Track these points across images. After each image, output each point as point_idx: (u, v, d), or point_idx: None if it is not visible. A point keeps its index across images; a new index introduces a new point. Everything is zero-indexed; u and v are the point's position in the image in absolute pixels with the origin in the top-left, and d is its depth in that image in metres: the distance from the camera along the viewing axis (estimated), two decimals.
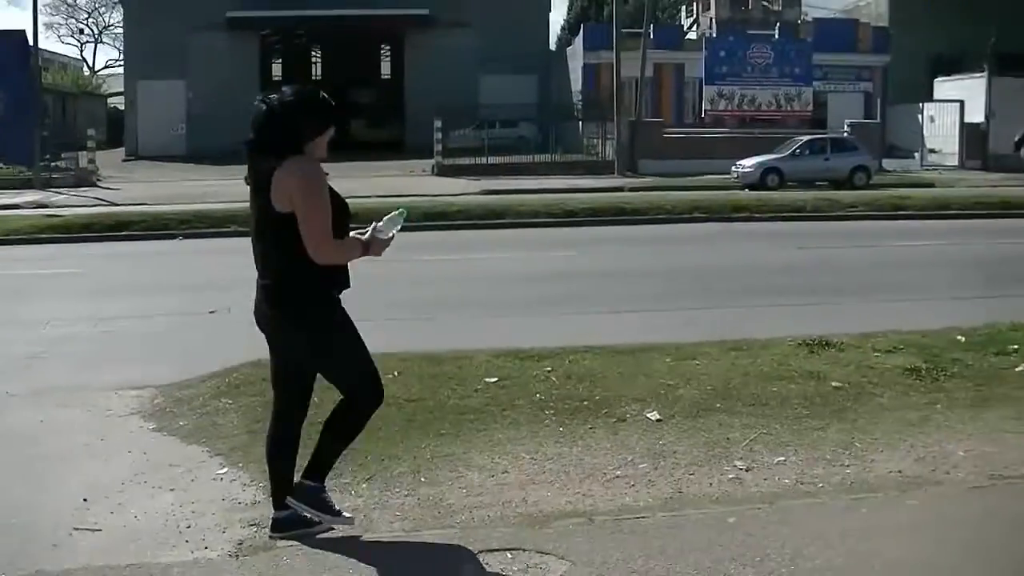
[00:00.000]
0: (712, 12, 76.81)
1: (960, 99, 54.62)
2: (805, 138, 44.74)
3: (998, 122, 48.99)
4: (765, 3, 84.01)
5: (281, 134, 5.78)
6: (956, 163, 52.75)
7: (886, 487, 6.94)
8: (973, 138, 52.98)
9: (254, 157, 5.88)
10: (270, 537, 6.19)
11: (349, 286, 6.15)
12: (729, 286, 16.38)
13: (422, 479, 7.18)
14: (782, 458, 7.53)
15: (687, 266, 19.44)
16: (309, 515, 6.16)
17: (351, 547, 5.97)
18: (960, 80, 58.95)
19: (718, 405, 8.72)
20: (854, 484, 7.05)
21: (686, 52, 64.23)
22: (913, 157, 55.07)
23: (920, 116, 57.00)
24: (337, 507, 6.27)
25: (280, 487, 6.24)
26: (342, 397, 6.20)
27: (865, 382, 9.36)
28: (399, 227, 6.19)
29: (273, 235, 5.83)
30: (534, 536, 6.06)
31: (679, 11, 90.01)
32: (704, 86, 58.77)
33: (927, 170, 50.72)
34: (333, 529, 6.19)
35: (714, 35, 67.02)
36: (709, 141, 50.70)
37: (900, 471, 7.27)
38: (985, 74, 54.86)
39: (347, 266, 6.10)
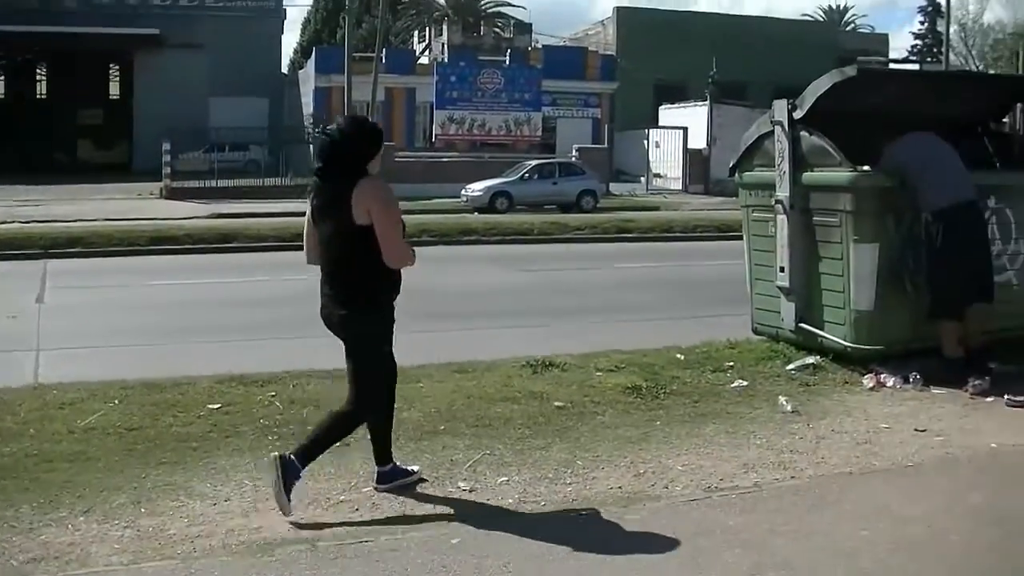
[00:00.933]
0: (444, 37, 77.21)
1: (684, 126, 56.29)
2: (534, 162, 45.42)
3: (719, 148, 50.57)
4: (497, 30, 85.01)
5: (351, 160, 6.91)
6: (680, 187, 54.36)
7: (607, 503, 7.06)
8: (696, 163, 54.66)
9: (325, 181, 6.99)
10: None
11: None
12: (455, 309, 16.48)
13: (143, 510, 6.96)
14: (505, 478, 7.58)
15: (413, 289, 19.37)
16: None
17: None
18: (683, 107, 60.87)
19: (442, 427, 8.74)
20: (575, 501, 7.15)
21: (418, 76, 64.82)
22: (639, 181, 56.53)
23: (646, 142, 58.54)
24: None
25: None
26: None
27: (587, 401, 9.53)
28: None
29: (351, 245, 6.87)
30: (257, 564, 6.00)
31: (412, 36, 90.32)
32: (435, 110, 59.24)
33: (652, 194, 52.07)
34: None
35: (446, 60, 67.46)
36: (440, 165, 50.99)
37: (620, 487, 7.41)
38: (707, 102, 56.68)
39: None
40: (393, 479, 7.40)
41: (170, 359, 12.00)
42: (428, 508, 7.03)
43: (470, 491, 7.35)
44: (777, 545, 6.23)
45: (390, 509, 7.00)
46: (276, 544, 6.36)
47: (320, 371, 10.44)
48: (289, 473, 6.87)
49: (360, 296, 7.08)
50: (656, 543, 6.29)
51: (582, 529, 6.55)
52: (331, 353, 12.08)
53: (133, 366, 11.21)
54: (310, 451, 7.10)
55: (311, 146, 56.52)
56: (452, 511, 6.98)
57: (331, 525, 6.74)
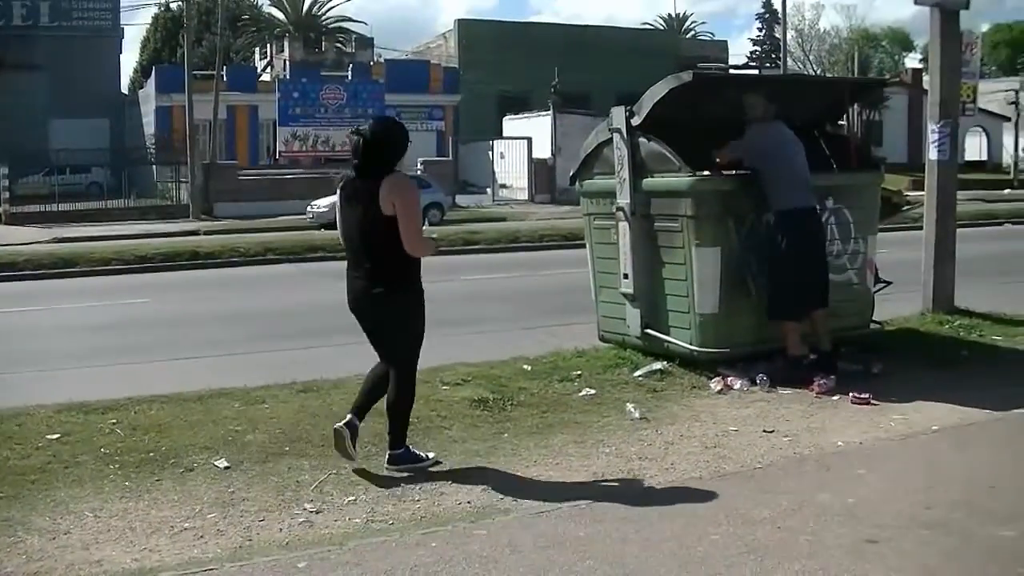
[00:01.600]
0: (286, 54, 76.54)
1: (528, 136, 56.42)
2: None
3: (563, 157, 50.73)
4: (338, 45, 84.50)
5: (382, 158, 7.78)
6: (526, 197, 54.46)
7: (456, 519, 6.96)
8: (541, 173, 54.81)
9: (358, 177, 7.83)
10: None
11: None
12: (302, 326, 16.29)
13: None
14: (352, 497, 7.44)
15: (261, 308, 19.24)
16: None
17: None
18: (527, 118, 61.04)
19: (287, 448, 8.54)
20: (424, 518, 7.03)
21: (260, 94, 64.19)
22: (486, 192, 56.55)
23: (491, 153, 58.57)
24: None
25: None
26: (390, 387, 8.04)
27: (434, 416, 9.41)
28: None
29: (380, 233, 7.67)
30: None
31: (253, 53, 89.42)
32: (278, 127, 58.70)
33: (499, 205, 52.10)
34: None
35: (288, 77, 66.89)
36: (285, 182, 50.47)
37: (469, 502, 7.32)
38: (550, 112, 56.95)
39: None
40: (403, 462, 8.03)
41: (5, 390, 11.61)
42: (275, 532, 6.84)
43: (317, 512, 7.18)
44: (628, 555, 6.17)
45: (236, 535, 6.79)
46: None
47: (163, 396, 10.19)
48: (410, 458, 8.09)
49: (392, 274, 7.81)
50: (505, 559, 6.18)
51: (430, 547, 6.39)
52: (175, 376, 11.97)
53: None
54: (400, 435, 8.10)
55: (154, 167, 55.84)
56: (299, 534, 6.80)
57: (174, 554, 6.51)
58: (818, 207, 10.86)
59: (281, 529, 6.91)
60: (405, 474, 7.91)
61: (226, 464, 8.17)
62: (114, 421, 9.43)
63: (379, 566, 6.08)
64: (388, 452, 8.07)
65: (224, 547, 6.58)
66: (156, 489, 7.70)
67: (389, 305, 7.91)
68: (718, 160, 10.75)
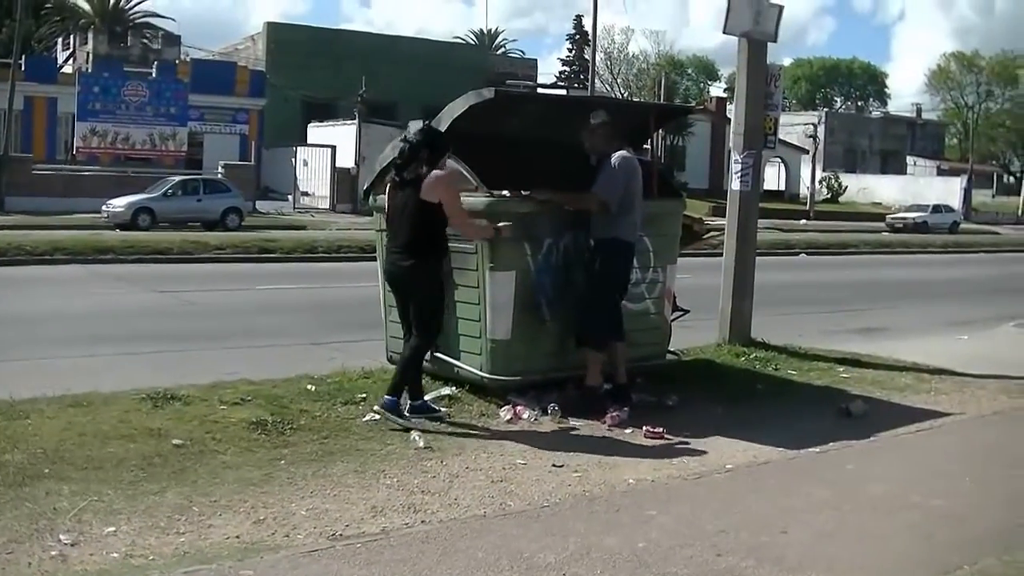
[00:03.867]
0: (90, 46, 74.60)
1: (333, 144, 56.05)
2: (178, 178, 44.44)
3: (366, 167, 50.32)
4: (145, 40, 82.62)
5: (423, 158, 9.61)
6: (328, 206, 54.06)
7: (222, 556, 6.44)
8: (344, 182, 54.54)
9: (402, 172, 9.73)
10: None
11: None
12: (83, 333, 15.55)
13: None
14: (113, 528, 6.85)
15: (41, 312, 18.37)
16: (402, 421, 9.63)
17: None
18: (333, 126, 60.76)
19: (47, 470, 7.88)
20: (188, 554, 6.50)
21: (61, 86, 62.38)
22: (287, 199, 55.95)
23: (294, 159, 58.07)
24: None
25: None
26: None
27: (209, 438, 8.86)
28: None
29: (420, 215, 9.52)
30: None
31: (56, 43, 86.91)
32: (77, 122, 57.14)
33: (300, 212, 51.67)
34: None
35: (90, 70, 65.14)
36: (82, 179, 49.16)
37: (239, 536, 6.83)
38: (355, 121, 56.61)
39: None
40: (389, 409, 9.56)
41: None
42: (23, 568, 6.20)
43: (72, 544, 6.58)
44: None
45: None
46: None
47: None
48: (395, 411, 9.55)
49: (421, 254, 9.63)
50: None
51: None
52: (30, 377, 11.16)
53: None
54: (399, 386, 9.72)
55: None
56: (49, 570, 6.21)
57: None
58: None
59: (30, 563, 6.29)
60: (389, 419, 9.43)
61: None
62: None
63: None
64: (382, 396, 9.66)
65: None
66: None
67: (420, 273, 9.64)
68: (576, 203, 10.43)
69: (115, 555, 6.46)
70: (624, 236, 10.33)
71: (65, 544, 6.58)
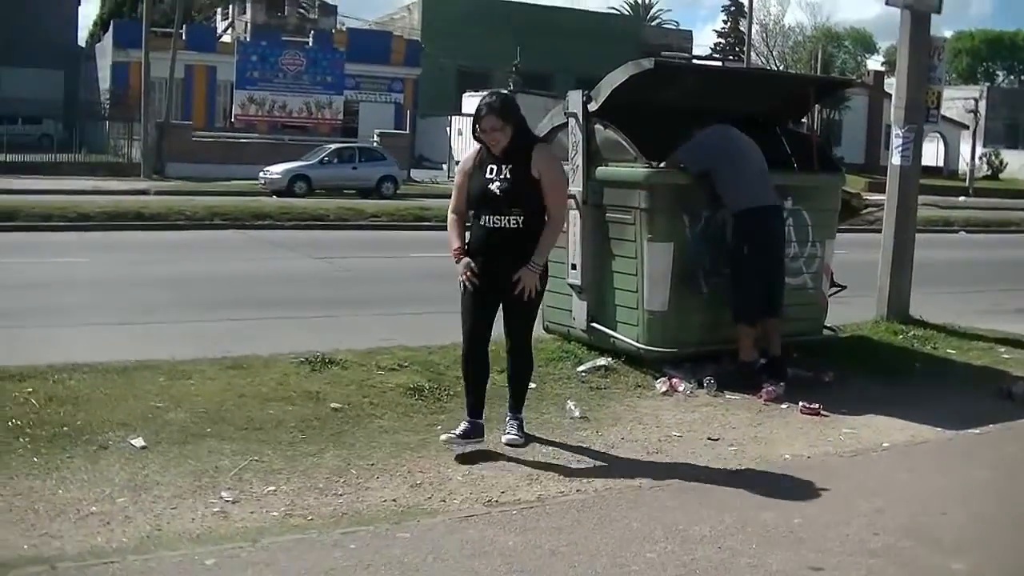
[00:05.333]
0: (248, 16, 75.90)
1: None
2: (334, 146, 44.87)
3: None
4: (301, 11, 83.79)
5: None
6: None
7: (379, 518, 6.55)
8: None
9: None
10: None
11: None
12: (241, 296, 15.85)
13: None
14: (272, 487, 7.00)
15: (200, 275, 18.78)
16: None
17: None
18: None
19: (209, 430, 8.07)
20: (346, 515, 6.62)
21: (220, 55, 63.51)
22: (441, 168, 56.20)
23: (448, 128, 58.21)
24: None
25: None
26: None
27: (366, 403, 8.98)
28: None
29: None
30: None
31: (215, 13, 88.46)
32: (236, 90, 58.09)
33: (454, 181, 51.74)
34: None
35: (248, 39, 66.21)
36: (240, 146, 50.02)
37: (395, 499, 6.92)
38: (511, 91, 56.59)
39: None
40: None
41: None
42: (186, 523, 6.41)
43: (233, 502, 6.75)
44: (557, 569, 5.79)
45: (145, 523, 6.35)
46: (12, 565, 5.67)
47: (85, 364, 9.71)
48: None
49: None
50: (428, 567, 5.78)
51: (348, 548, 5.97)
52: (101, 343, 11.52)
53: None
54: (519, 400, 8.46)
55: (107, 122, 55.13)
56: (211, 526, 6.38)
57: (76, 541, 6.05)
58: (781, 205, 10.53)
59: (193, 519, 6.47)
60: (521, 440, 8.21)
61: (143, 443, 7.72)
62: (30, 390, 8.94)
63: (292, 568, 5.67)
64: (514, 418, 8.35)
65: (131, 536, 6.15)
66: (66, 467, 7.26)
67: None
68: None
69: (274, 514, 6.60)
70: (742, 206, 10.16)
71: (227, 501, 6.75)
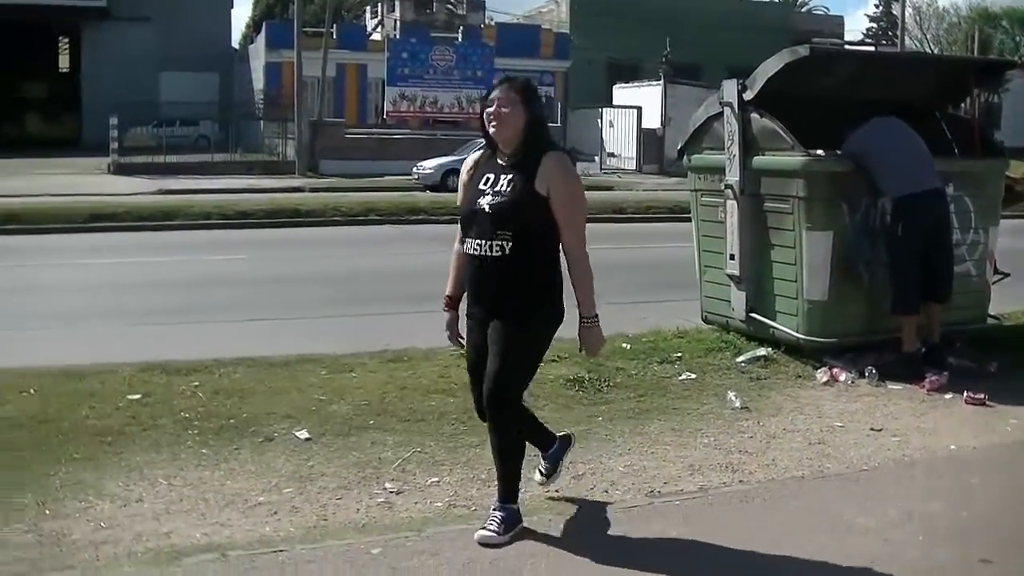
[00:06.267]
0: (397, 14, 76.67)
1: (638, 105, 55.89)
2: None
3: (673, 128, 50.16)
4: (450, 6, 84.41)
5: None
6: (634, 167, 53.96)
7: (542, 509, 6.61)
8: (650, 143, 54.29)
9: None
10: None
11: None
12: (397, 290, 16.02)
13: (47, 511, 6.45)
14: (435, 478, 7.13)
15: (356, 270, 19.01)
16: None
17: None
18: (638, 87, 60.44)
19: (371, 422, 8.25)
20: None
21: (370, 53, 64.15)
22: (593, 160, 56.10)
23: (600, 121, 58.09)
24: None
25: None
26: None
27: (527, 394, 9.02)
28: None
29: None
30: None
31: (364, 12, 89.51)
32: (387, 87, 58.62)
33: (606, 173, 51.67)
34: None
35: (398, 37, 66.83)
36: (392, 142, 50.43)
37: (558, 490, 6.96)
38: (661, 82, 56.37)
39: None
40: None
41: (96, 343, 11.56)
42: (351, 513, 6.54)
43: (397, 493, 6.87)
44: (720, 560, 5.79)
45: (311, 513, 6.50)
46: (185, 552, 5.87)
47: (249, 358, 9.97)
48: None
49: None
50: (590, 559, 5.81)
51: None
52: (263, 337, 11.75)
53: (57, 351, 10.77)
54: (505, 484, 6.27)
55: (261, 122, 56.09)
56: (376, 516, 6.50)
57: (245, 531, 6.24)
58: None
59: (358, 509, 6.62)
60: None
61: (307, 435, 7.91)
62: (196, 384, 9.24)
63: (458, 557, 5.78)
64: (500, 508, 6.19)
65: (298, 526, 6.30)
66: (234, 458, 7.47)
67: None
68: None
69: (438, 504, 6.70)
70: (900, 192, 9.98)
71: (390, 492, 6.87)
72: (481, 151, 6.26)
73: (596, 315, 6.17)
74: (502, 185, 5.97)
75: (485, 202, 5.97)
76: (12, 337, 12.21)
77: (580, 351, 6.38)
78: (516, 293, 6.01)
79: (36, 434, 7.89)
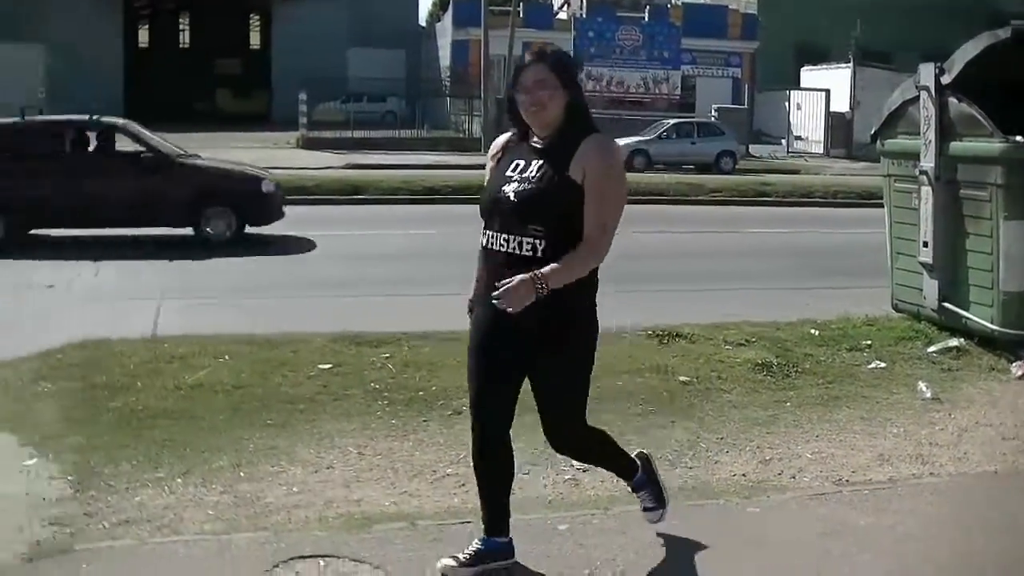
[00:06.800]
0: None
1: (826, 88, 55.07)
2: (673, 121, 44.79)
3: (861, 112, 49.31)
4: None
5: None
6: (821, 151, 53.19)
7: (728, 492, 6.64)
8: (838, 127, 53.44)
9: None
10: None
11: None
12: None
13: (242, 474, 6.73)
14: None
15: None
16: None
17: (158, 553, 5.55)
18: (826, 70, 59.52)
19: None
20: (695, 488, 6.75)
21: (556, 32, 63.98)
22: (780, 143, 55.49)
23: (787, 103, 57.38)
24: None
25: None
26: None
27: (714, 377, 9.07)
28: None
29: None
30: (351, 541, 5.65)
31: None
32: None
33: (793, 157, 51.10)
34: None
35: (584, 16, 66.74)
36: None
37: (744, 474, 6.99)
38: (850, 65, 55.42)
39: None
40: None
41: (289, 314, 11.94)
42: (539, 488, 6.66)
43: (583, 471, 6.91)
44: (909, 553, 5.72)
45: None
46: (375, 520, 6.06)
47: (439, 332, 10.09)
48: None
49: None
50: (777, 544, 5.81)
51: (697, 524, 6.05)
52: (451, 312, 11.86)
53: (246, 321, 11.11)
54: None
55: (448, 99, 56.62)
56: (563, 492, 6.60)
57: (433, 501, 6.42)
58: None
59: (546, 485, 6.74)
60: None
61: None
62: (386, 355, 9.44)
63: (642, 536, 5.81)
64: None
65: (477, 499, 6.39)
66: (422, 430, 7.64)
67: None
68: None
69: (623, 483, 6.72)
70: None
71: (578, 469, 6.93)
72: (510, 133, 5.37)
73: (548, 286, 4.81)
74: (532, 171, 5.07)
75: (511, 189, 5.08)
76: (209, 306, 12.69)
77: (495, 290, 4.79)
78: (553, 308, 4.95)
79: (231, 399, 8.21)
